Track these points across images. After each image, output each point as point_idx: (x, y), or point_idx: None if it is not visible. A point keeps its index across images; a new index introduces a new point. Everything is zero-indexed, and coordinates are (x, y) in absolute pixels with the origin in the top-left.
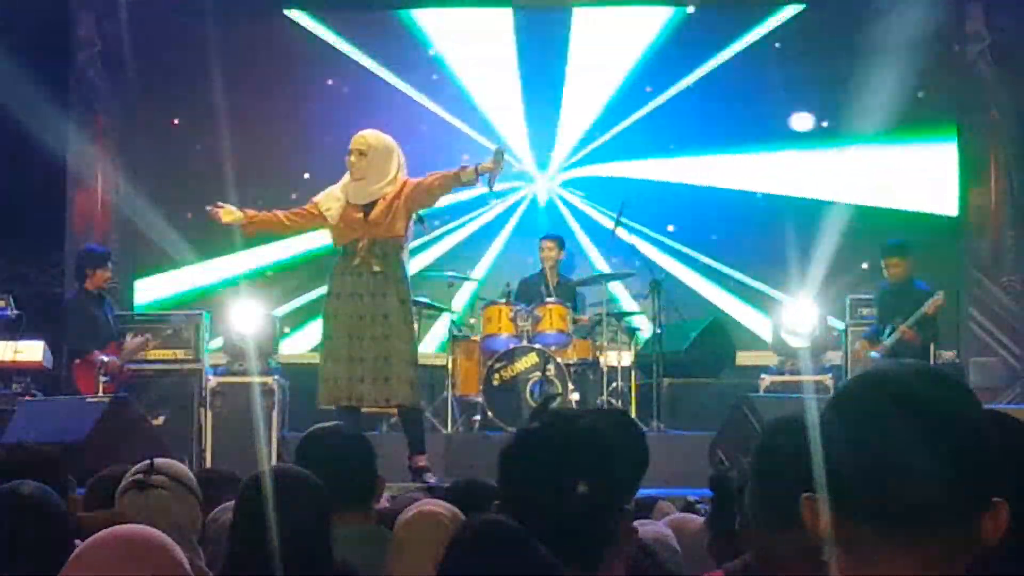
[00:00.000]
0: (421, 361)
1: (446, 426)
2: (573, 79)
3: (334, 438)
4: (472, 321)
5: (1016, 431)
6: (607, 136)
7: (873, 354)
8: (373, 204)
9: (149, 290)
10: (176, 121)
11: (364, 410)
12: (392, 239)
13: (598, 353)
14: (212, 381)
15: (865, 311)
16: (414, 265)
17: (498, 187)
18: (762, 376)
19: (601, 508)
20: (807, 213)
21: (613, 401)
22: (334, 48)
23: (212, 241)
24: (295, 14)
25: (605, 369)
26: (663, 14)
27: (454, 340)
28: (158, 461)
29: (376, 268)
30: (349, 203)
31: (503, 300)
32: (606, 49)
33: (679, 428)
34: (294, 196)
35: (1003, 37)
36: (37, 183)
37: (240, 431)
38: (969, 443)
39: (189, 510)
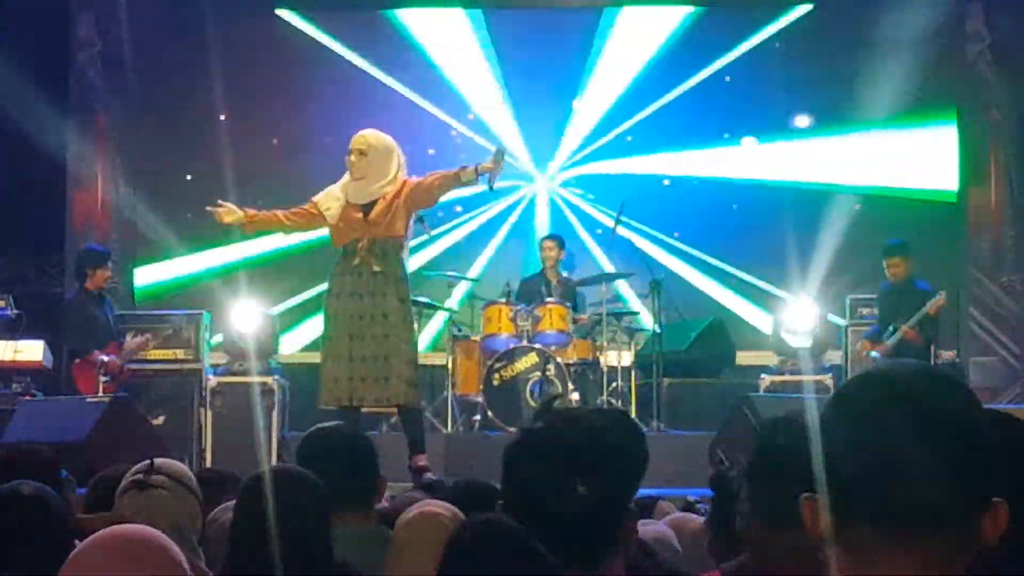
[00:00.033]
0: (420, 361)
1: (446, 426)
2: (577, 80)
3: (336, 438)
4: (459, 323)
5: (1016, 431)
6: (609, 136)
7: (873, 354)
8: (373, 204)
9: (149, 271)
10: (176, 121)
11: (364, 410)
12: (392, 239)
13: (598, 353)
14: (212, 381)
15: (865, 311)
16: (412, 263)
17: (497, 185)
18: (762, 376)
19: (605, 508)
20: (809, 202)
21: (613, 401)
22: (331, 48)
23: (211, 242)
24: (286, 14)
25: (605, 369)
26: (669, 16)
27: (454, 340)
28: (158, 461)
29: (376, 268)
30: (349, 203)
31: (503, 300)
32: (613, 50)
33: (679, 428)
34: (293, 195)
35: (1003, 37)
36: (37, 183)
37: (240, 431)
38: (969, 443)
39: (189, 510)
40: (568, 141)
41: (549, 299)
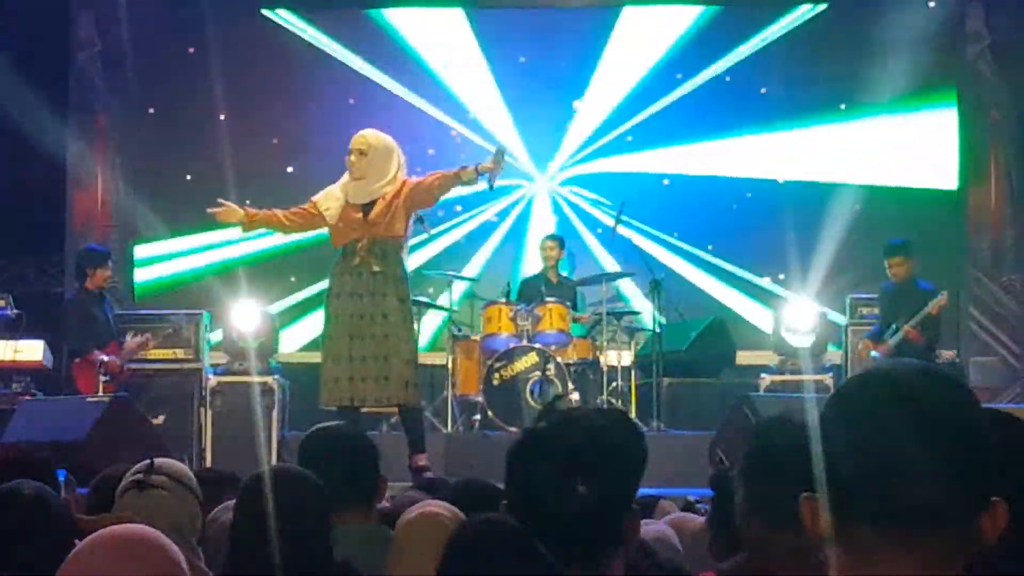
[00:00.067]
0: (420, 360)
1: (446, 426)
2: (577, 80)
3: (337, 438)
4: (459, 322)
5: (1016, 431)
6: (610, 136)
7: (873, 354)
8: (373, 204)
9: (149, 271)
10: (176, 121)
11: (364, 410)
12: (392, 239)
13: (598, 353)
14: (212, 380)
15: (865, 310)
16: (411, 262)
17: (498, 184)
18: (762, 376)
19: (607, 507)
20: (809, 200)
21: (613, 401)
22: (331, 49)
23: (211, 245)
24: (284, 14)
25: (605, 369)
26: (674, 16)
27: (454, 340)
28: (158, 461)
29: (376, 268)
30: (348, 203)
31: (502, 300)
32: (615, 51)
33: (679, 428)
34: (293, 195)
35: (1003, 37)
36: (37, 183)
37: (240, 431)
38: (968, 443)
39: (189, 510)
40: (568, 141)
41: (549, 299)
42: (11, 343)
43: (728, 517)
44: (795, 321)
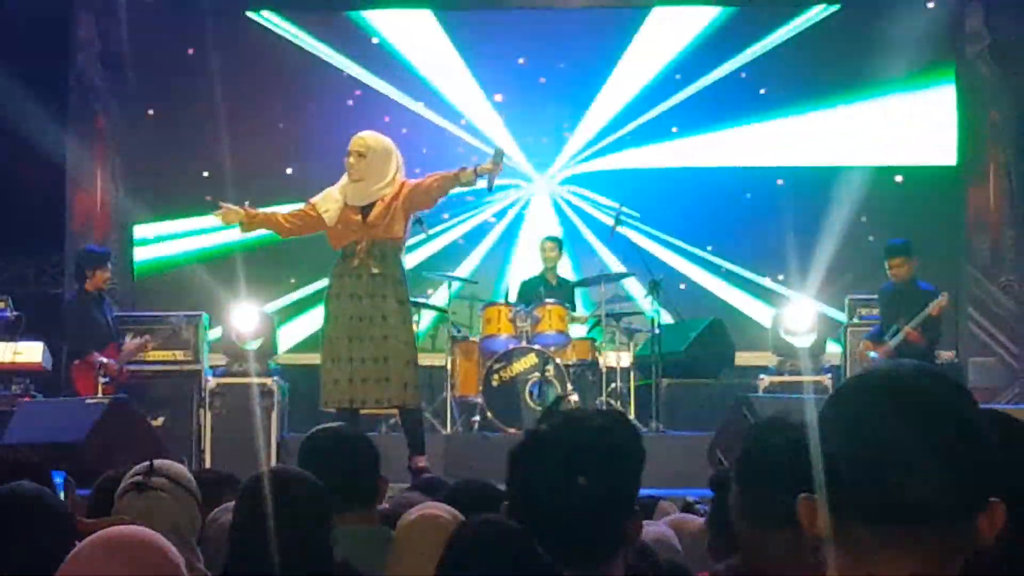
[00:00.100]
0: (419, 361)
1: (445, 427)
2: (584, 80)
3: (337, 439)
4: (457, 323)
5: (1014, 431)
6: (611, 138)
7: (872, 355)
8: (371, 206)
9: (148, 250)
10: (176, 122)
11: (363, 412)
12: (391, 240)
13: (597, 354)
14: (211, 382)
15: (864, 311)
16: (407, 262)
17: (497, 183)
18: (761, 376)
19: (608, 508)
20: (809, 185)
21: (612, 402)
22: (330, 51)
23: (212, 248)
24: (275, 18)
25: (604, 370)
26: (684, 18)
27: (453, 341)
28: (157, 462)
29: (375, 270)
30: (347, 205)
31: (501, 301)
32: (617, 52)
33: (678, 428)
34: (293, 195)
35: (1003, 37)
36: (37, 183)
37: (239, 432)
38: (966, 443)
39: (188, 511)
40: (569, 143)
41: (548, 300)
42: (10, 345)
43: (728, 518)
44: (794, 321)
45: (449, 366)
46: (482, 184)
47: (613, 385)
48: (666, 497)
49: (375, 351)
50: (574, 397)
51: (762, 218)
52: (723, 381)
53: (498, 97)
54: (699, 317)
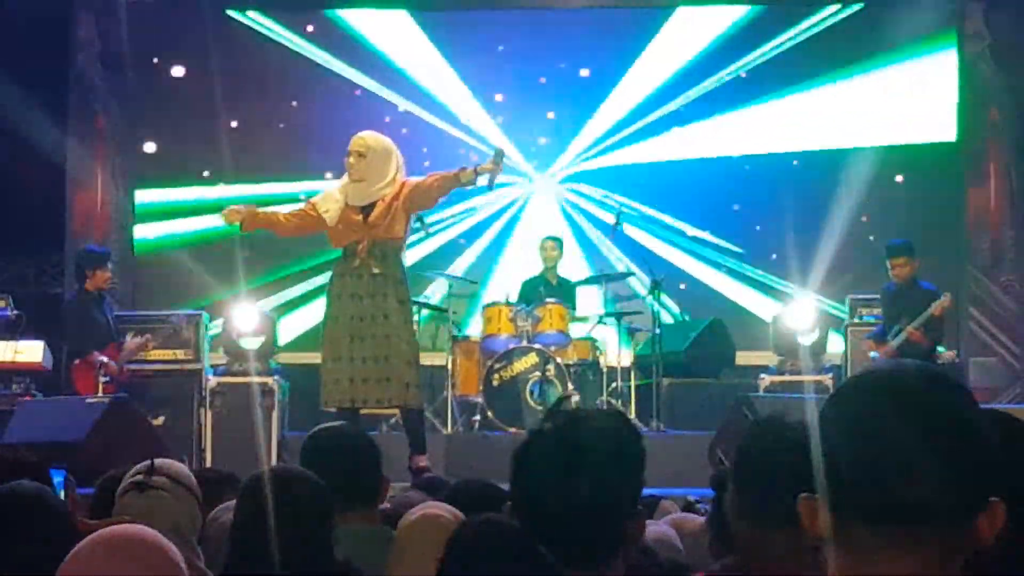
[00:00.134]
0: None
1: (446, 426)
2: (583, 80)
3: (339, 438)
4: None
5: (1015, 431)
6: (616, 138)
7: (873, 355)
8: (372, 206)
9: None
10: (176, 122)
11: (364, 411)
12: (391, 240)
13: (598, 353)
14: (212, 381)
15: (865, 311)
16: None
17: (498, 180)
18: (762, 376)
19: (613, 509)
20: (809, 169)
21: (613, 401)
22: (328, 52)
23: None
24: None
25: (605, 369)
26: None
27: (454, 340)
28: (158, 462)
29: (376, 270)
30: (348, 205)
31: (503, 301)
32: (617, 53)
33: (679, 428)
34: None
35: (1003, 37)
36: (37, 183)
37: (240, 431)
38: (966, 443)
39: (189, 510)
40: (574, 141)
41: (549, 299)
42: (11, 344)
43: (728, 517)
44: (796, 320)
45: (450, 366)
46: (483, 182)
47: (614, 385)
48: (667, 496)
49: (376, 350)
50: (575, 397)
51: (764, 206)
52: (724, 381)
53: (498, 97)
54: (702, 313)
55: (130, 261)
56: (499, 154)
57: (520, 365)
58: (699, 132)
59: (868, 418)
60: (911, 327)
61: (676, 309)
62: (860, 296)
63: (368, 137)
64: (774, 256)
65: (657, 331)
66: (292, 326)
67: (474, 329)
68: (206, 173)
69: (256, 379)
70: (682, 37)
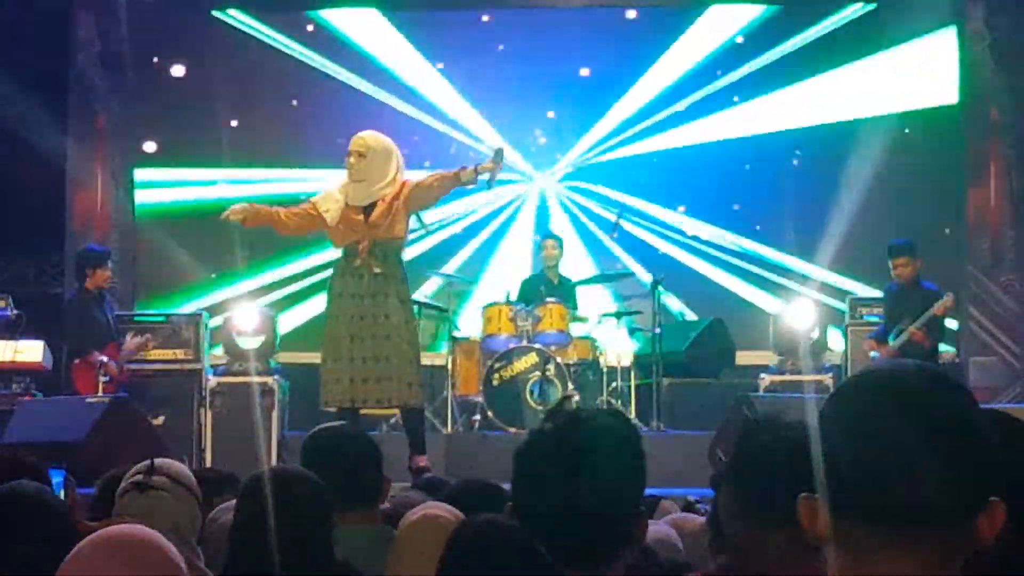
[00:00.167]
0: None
1: (446, 426)
2: (584, 80)
3: (340, 438)
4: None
5: (1015, 431)
6: (620, 138)
7: (873, 354)
8: (373, 206)
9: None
10: (176, 122)
11: (364, 411)
12: (392, 240)
13: (598, 353)
14: (212, 381)
15: (864, 311)
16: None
17: (499, 178)
18: (762, 375)
19: (615, 509)
20: (811, 146)
21: (613, 401)
22: (327, 54)
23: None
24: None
25: (605, 369)
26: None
27: (454, 340)
28: (158, 461)
29: (377, 270)
30: (348, 204)
31: (503, 300)
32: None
33: (679, 428)
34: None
35: (1003, 37)
36: (37, 183)
37: (240, 431)
38: (966, 443)
39: (189, 510)
40: (571, 141)
41: (549, 299)
42: (11, 344)
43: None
44: (796, 319)
45: (449, 365)
46: (484, 177)
47: (614, 384)
48: (667, 496)
49: (377, 350)
50: (576, 397)
51: (768, 187)
52: (724, 380)
53: (498, 96)
54: (705, 308)
55: (130, 261)
56: (499, 153)
57: (520, 365)
58: (701, 125)
59: (868, 418)
60: (913, 327)
61: (678, 307)
62: (860, 296)
63: (368, 137)
64: (788, 236)
65: (657, 331)
66: (291, 321)
67: (465, 325)
68: (206, 172)
69: (256, 379)
70: (692, 39)
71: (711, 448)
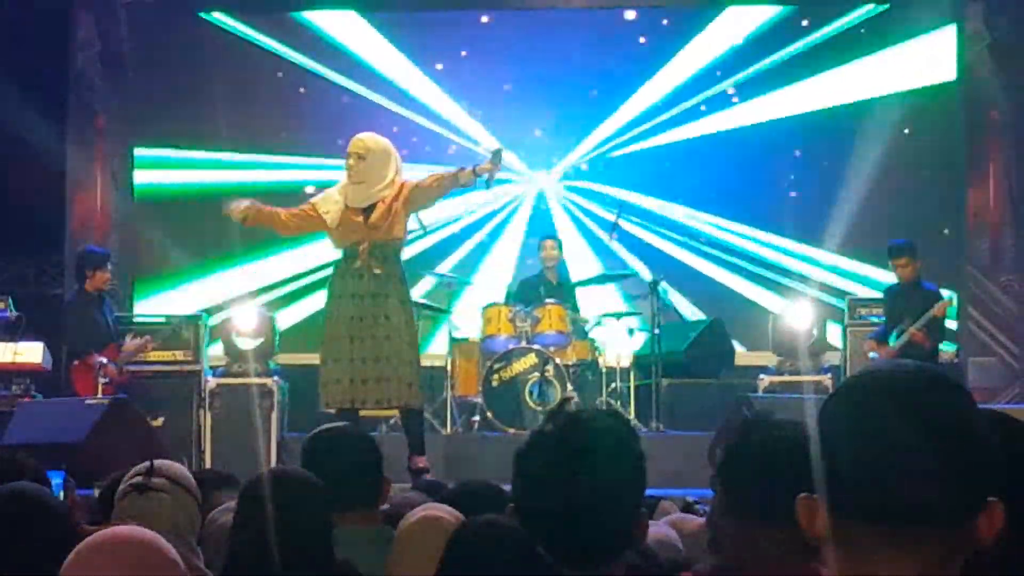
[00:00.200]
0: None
1: (445, 427)
2: (583, 80)
3: (341, 439)
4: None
5: (1015, 431)
6: (617, 140)
7: (872, 355)
8: (372, 207)
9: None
10: (176, 123)
11: (364, 413)
12: (392, 241)
13: (597, 354)
14: (211, 382)
15: (864, 311)
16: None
17: (498, 177)
18: (761, 376)
19: (615, 510)
20: (812, 131)
21: (612, 402)
22: (326, 54)
23: (210, 243)
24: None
25: (604, 370)
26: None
27: (454, 341)
28: (157, 463)
29: (377, 271)
30: (348, 206)
31: (502, 301)
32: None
33: (679, 428)
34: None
35: (1003, 37)
36: (37, 184)
37: (239, 432)
38: (965, 443)
39: (188, 512)
40: (572, 141)
41: (548, 300)
42: (10, 345)
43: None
44: (796, 319)
45: (449, 366)
46: (483, 177)
47: (613, 385)
48: (667, 497)
49: (376, 351)
50: (575, 398)
51: (768, 187)
52: (723, 381)
53: (498, 96)
54: (706, 307)
55: (130, 261)
56: (497, 154)
57: (519, 366)
58: (701, 124)
59: (868, 418)
60: (913, 328)
61: (677, 306)
62: (859, 296)
63: (367, 139)
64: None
65: (657, 331)
66: (289, 319)
67: (457, 323)
68: (206, 171)
69: (255, 380)
70: (699, 41)
71: (710, 449)
